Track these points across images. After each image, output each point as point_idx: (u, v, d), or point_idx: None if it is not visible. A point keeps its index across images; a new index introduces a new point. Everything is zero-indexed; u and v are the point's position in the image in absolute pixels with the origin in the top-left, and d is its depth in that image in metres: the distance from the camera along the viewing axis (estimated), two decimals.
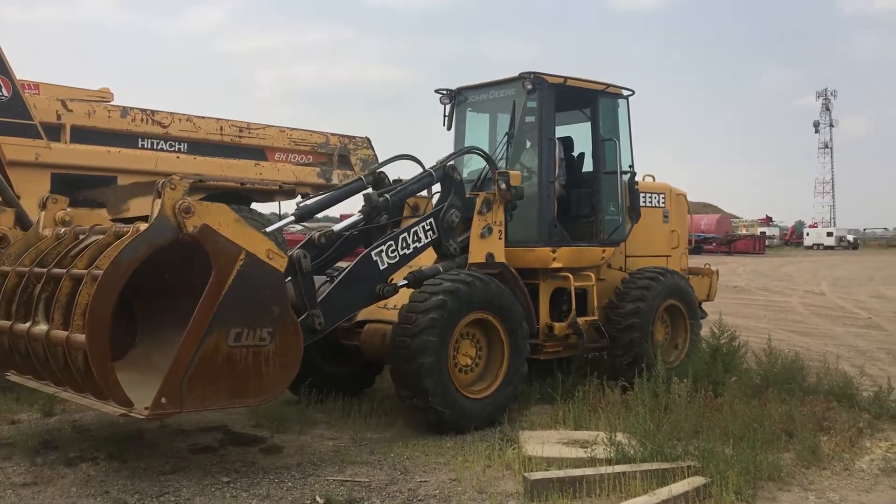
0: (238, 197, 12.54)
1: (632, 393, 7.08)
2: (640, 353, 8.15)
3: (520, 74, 8.13)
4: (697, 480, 5.11)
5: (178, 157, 11.90)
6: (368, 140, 14.23)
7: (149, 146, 11.68)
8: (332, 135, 13.73)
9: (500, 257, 7.54)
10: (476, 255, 7.40)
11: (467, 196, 7.58)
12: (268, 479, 5.50)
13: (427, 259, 7.42)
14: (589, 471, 5.26)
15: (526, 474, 5.24)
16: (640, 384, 6.83)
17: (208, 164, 12.15)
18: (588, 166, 8.95)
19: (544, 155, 8.13)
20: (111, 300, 4.81)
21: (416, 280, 6.94)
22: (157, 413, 4.91)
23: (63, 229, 6.30)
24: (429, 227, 7.18)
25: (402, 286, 6.94)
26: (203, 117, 12.20)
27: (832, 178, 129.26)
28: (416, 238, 7.04)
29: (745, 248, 62.34)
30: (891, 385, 7.38)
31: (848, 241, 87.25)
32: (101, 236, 5.60)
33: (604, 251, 8.56)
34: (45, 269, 5.67)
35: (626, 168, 8.77)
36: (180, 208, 5.01)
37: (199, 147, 12.14)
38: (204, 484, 5.41)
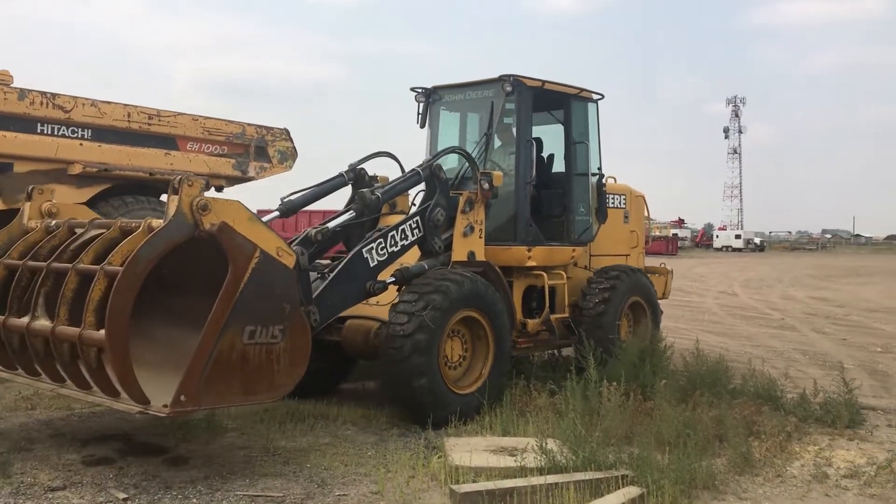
0: (147, 188, 11.84)
1: (561, 396, 6.85)
2: (607, 348, 8.21)
3: (500, 76, 8.25)
4: (633, 491, 4.88)
5: (80, 145, 11.10)
6: (287, 132, 13.66)
7: (49, 132, 10.82)
8: (249, 125, 13.10)
9: (480, 255, 7.69)
10: (459, 253, 7.52)
11: (451, 195, 7.67)
12: (170, 495, 5.01)
13: (409, 257, 7.44)
14: (520, 482, 4.96)
15: (454, 487, 4.91)
16: (570, 387, 6.60)
17: (114, 152, 11.37)
18: (557, 167, 9.10)
19: (522, 156, 8.30)
20: (131, 297, 4.77)
21: (403, 277, 7.05)
22: (177, 410, 4.86)
23: (54, 222, 6.16)
24: (415, 225, 7.29)
25: (391, 283, 7.04)
26: (109, 102, 11.41)
27: (740, 183, 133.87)
28: (403, 236, 7.14)
29: (658, 250, 63.56)
30: (817, 388, 7.35)
31: (755, 244, 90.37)
32: (104, 231, 5.54)
33: (574, 250, 8.81)
34: (43, 264, 5.56)
35: (594, 170, 9.05)
36: (197, 205, 5.03)
37: (104, 134, 11.33)
38: (98, 502, 4.89)
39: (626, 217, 9.92)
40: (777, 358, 11.32)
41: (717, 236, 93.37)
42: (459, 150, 8.15)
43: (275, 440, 6.25)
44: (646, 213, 10.37)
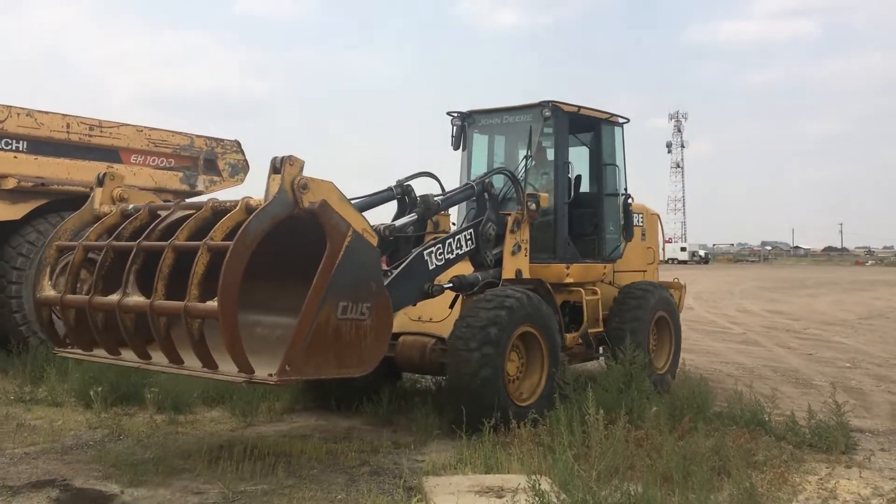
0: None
1: (544, 426, 6.38)
2: (640, 362, 8.29)
3: (539, 102, 8.65)
4: None
5: (15, 157, 10.34)
6: (238, 143, 13.02)
7: None
8: (198, 137, 12.44)
9: (526, 273, 8.01)
10: (508, 271, 7.83)
11: (500, 213, 7.96)
12: None
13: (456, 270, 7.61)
14: None
15: None
16: (557, 416, 6.13)
17: (52, 165, 10.64)
18: (583, 188, 9.48)
19: (559, 178, 8.71)
20: (241, 268, 4.92)
21: (460, 284, 7.41)
22: (283, 379, 5.09)
23: (131, 206, 6.34)
24: (469, 237, 7.54)
25: (448, 288, 7.30)
26: (47, 112, 10.67)
27: (683, 196, 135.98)
28: (458, 245, 7.38)
29: None
30: (811, 413, 7.00)
31: (700, 256, 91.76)
32: (192, 211, 5.75)
33: (605, 267, 9.29)
34: (133, 243, 5.70)
35: (621, 191, 9.49)
36: (298, 184, 5.23)
37: (41, 146, 10.59)
38: None
39: (643, 235, 10.27)
40: (749, 375, 11.03)
41: (663, 249, 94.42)
42: (506, 171, 8.32)
43: (233, 483, 5.63)
44: (660, 231, 10.71)
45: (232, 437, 7.00)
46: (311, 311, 5.15)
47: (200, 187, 12.37)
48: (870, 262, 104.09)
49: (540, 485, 4.87)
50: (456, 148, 9.51)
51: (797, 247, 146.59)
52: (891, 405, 8.99)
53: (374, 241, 5.76)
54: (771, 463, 5.79)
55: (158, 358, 5.62)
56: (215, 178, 12.62)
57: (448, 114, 9.51)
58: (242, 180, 13.16)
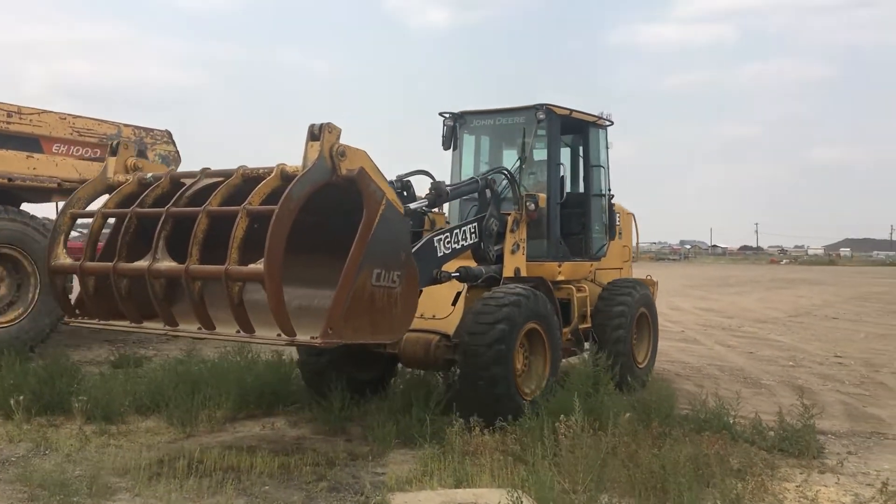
0: (5, 195, 10.29)
1: (511, 434, 6.04)
2: (626, 357, 9.07)
3: (533, 105, 8.84)
4: None
5: None
6: (169, 133, 12.32)
7: None
8: (126, 125, 11.70)
9: (524, 272, 8.22)
10: (507, 269, 8.04)
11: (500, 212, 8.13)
12: None
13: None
14: None
15: None
16: (524, 423, 5.79)
17: None
18: (568, 188, 9.60)
19: (552, 178, 8.95)
20: (285, 232, 4.97)
21: (466, 275, 7.57)
22: (326, 341, 5.16)
23: (150, 174, 6.30)
24: (473, 230, 7.70)
25: (454, 277, 7.45)
26: None
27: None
28: (463, 236, 7.54)
29: None
30: (781, 415, 6.85)
31: None
32: (220, 179, 5.75)
33: (591, 265, 9.63)
34: (161, 210, 5.65)
35: (605, 191, 9.83)
36: (336, 151, 5.30)
37: None
38: None
39: (619, 233, 10.45)
40: (697, 375, 10.98)
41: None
42: (505, 171, 8.45)
43: (178, 503, 5.11)
44: (634, 230, 10.94)
45: (171, 449, 6.45)
46: (351, 277, 5.21)
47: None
48: (784, 260, 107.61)
49: (521, 500, 4.52)
50: (446, 148, 9.66)
51: (715, 245, 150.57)
52: (843, 405, 8.97)
53: (402, 211, 5.88)
54: (751, 471, 5.57)
55: (186, 325, 5.65)
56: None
57: (440, 114, 9.64)
58: None
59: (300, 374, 8.19)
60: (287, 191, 5.04)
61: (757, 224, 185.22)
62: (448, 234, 7.33)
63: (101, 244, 6.39)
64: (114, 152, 6.65)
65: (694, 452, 5.61)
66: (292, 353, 9.65)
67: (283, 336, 5.17)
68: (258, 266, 4.95)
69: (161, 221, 5.59)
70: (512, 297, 7.18)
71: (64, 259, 6.18)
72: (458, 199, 8.58)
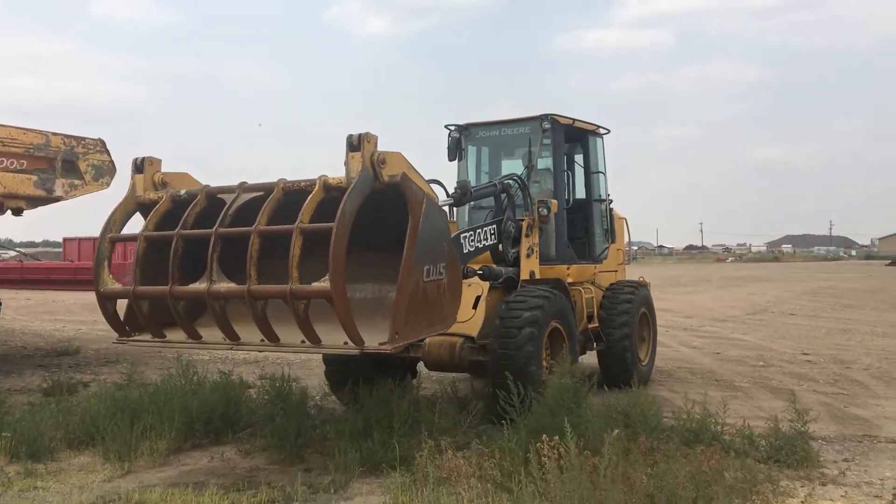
0: None
1: (489, 459, 5.47)
2: (631, 356, 9.50)
3: (539, 115, 9.16)
4: None
5: None
6: (102, 143, 11.49)
7: None
8: (55, 135, 10.85)
9: (538, 275, 8.47)
10: (524, 272, 8.28)
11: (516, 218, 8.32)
12: None
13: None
14: None
15: None
16: (506, 447, 5.23)
17: None
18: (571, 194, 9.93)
19: (558, 185, 9.32)
20: (345, 248, 5.07)
21: (489, 274, 7.81)
22: (395, 346, 5.33)
23: (183, 191, 6.26)
24: (493, 232, 7.92)
25: (478, 274, 7.73)
26: None
27: None
28: (485, 236, 7.75)
29: None
30: (776, 423, 6.40)
31: None
32: (260, 193, 5.82)
33: (595, 267, 9.97)
34: (210, 231, 5.67)
35: (605, 197, 10.22)
36: (377, 159, 5.37)
37: None
38: None
39: (614, 237, 10.68)
40: (669, 380, 10.57)
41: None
42: (517, 178, 8.59)
43: None
44: (626, 234, 11.12)
45: (107, 490, 5.72)
46: (407, 280, 5.34)
47: (59, 192, 10.82)
48: (730, 258, 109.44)
49: None
50: (451, 159, 9.89)
51: (661, 246, 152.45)
52: (825, 406, 8.62)
53: (438, 201, 6.09)
54: (758, 490, 5.08)
55: (248, 337, 5.73)
56: (76, 182, 11.08)
57: (446, 126, 9.90)
58: (108, 184, 11.64)
59: (327, 383, 8.34)
60: (341, 208, 5.12)
61: (701, 223, 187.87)
62: (472, 232, 7.54)
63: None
64: (139, 169, 6.51)
65: (692, 471, 5.10)
66: (241, 373, 8.96)
67: (352, 344, 5.28)
68: (324, 284, 5.07)
69: (212, 243, 5.62)
70: (538, 298, 7.47)
71: (112, 284, 6.21)
72: (468, 208, 8.94)
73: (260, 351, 6.14)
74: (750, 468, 5.51)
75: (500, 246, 8.06)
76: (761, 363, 11.95)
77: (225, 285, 5.55)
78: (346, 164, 5.42)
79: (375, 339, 5.35)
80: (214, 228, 5.67)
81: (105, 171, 11.53)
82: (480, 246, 7.66)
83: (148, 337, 6.27)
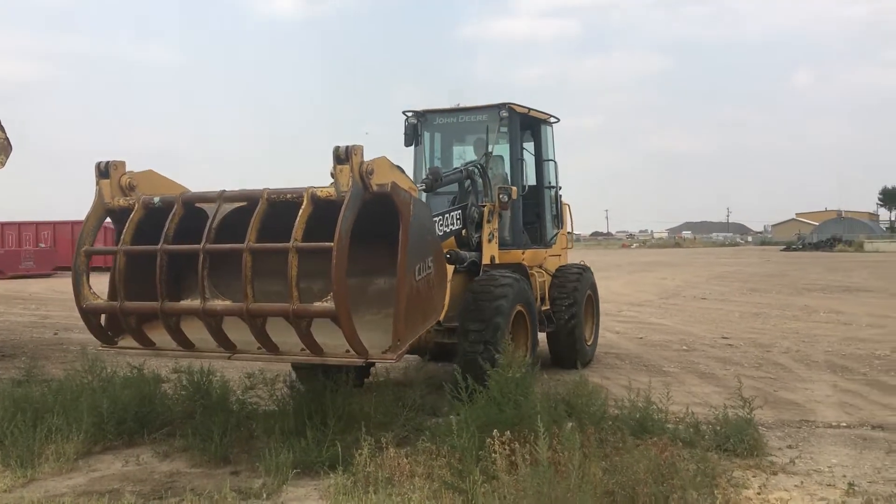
0: None
1: (435, 455, 5.12)
2: (579, 336, 9.89)
3: (497, 104, 9.37)
4: None
5: None
6: None
7: None
8: None
9: (497, 259, 8.66)
10: (485, 256, 8.44)
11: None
12: None
13: None
14: None
15: None
16: (458, 444, 4.89)
17: None
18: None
19: (515, 172, 9.56)
20: (345, 266, 5.08)
21: (456, 258, 7.80)
22: (398, 354, 5.43)
23: (156, 199, 6.05)
24: (458, 217, 7.99)
25: (446, 258, 7.34)
26: None
27: None
28: (451, 221, 7.81)
29: None
30: (725, 411, 6.26)
31: None
32: (242, 203, 5.67)
33: (546, 252, 10.31)
34: (196, 247, 5.51)
35: (554, 184, 10.60)
36: (366, 171, 5.33)
37: None
38: None
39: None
40: (599, 366, 10.45)
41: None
42: (478, 165, 8.75)
43: None
44: (569, 219, 11.30)
45: (8, 502, 5.12)
46: (403, 287, 5.38)
47: None
48: (634, 244, 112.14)
49: None
50: (408, 144, 10.04)
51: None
52: (756, 390, 8.59)
53: (417, 193, 6.20)
54: (716, 483, 4.90)
55: (244, 346, 5.67)
56: None
57: (403, 112, 10.04)
58: (3, 163, 10.72)
59: (294, 374, 7.96)
60: (338, 229, 5.06)
61: (607, 210, 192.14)
62: (440, 216, 7.50)
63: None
64: (104, 174, 6.24)
65: (648, 465, 4.87)
66: (155, 367, 8.34)
67: (355, 354, 5.31)
68: (328, 304, 5.09)
69: (201, 260, 5.48)
70: (506, 280, 7.79)
71: (95, 299, 5.99)
72: (428, 195, 8.86)
73: (257, 360, 6.01)
74: (705, 459, 5.36)
75: (464, 231, 8.14)
76: (685, 348, 12.00)
77: (221, 303, 5.47)
78: (335, 177, 5.36)
79: (368, 340, 5.35)
80: (202, 245, 5.51)
81: (0, 149, 10.62)
82: (447, 231, 7.71)
83: (135, 344, 6.10)
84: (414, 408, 6.77)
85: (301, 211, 5.33)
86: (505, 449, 4.86)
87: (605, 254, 70.15)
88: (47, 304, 20.71)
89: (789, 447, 6.29)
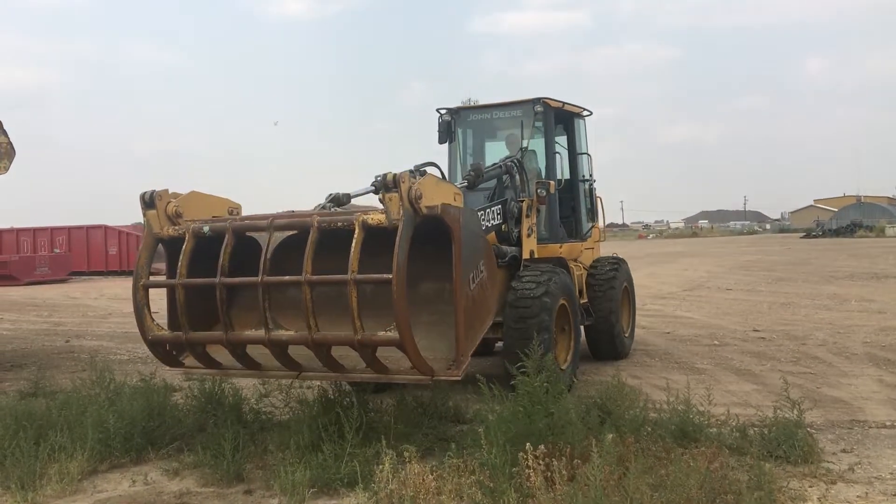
0: None
1: (467, 474, 4.71)
2: (618, 329, 9.93)
3: (531, 99, 9.41)
4: None
5: None
6: None
7: None
8: None
9: (536, 254, 8.68)
10: (525, 251, 8.45)
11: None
12: None
13: None
14: None
15: None
16: (484, 458, 4.48)
17: None
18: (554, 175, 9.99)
19: (551, 167, 9.62)
20: (405, 296, 5.15)
21: (498, 252, 7.62)
22: (462, 369, 5.49)
23: (205, 227, 6.09)
24: (499, 212, 8.06)
25: None
26: None
27: None
28: (493, 216, 7.88)
29: None
30: (777, 416, 5.81)
31: None
32: (293, 232, 5.93)
33: (582, 245, 10.30)
34: (255, 279, 5.61)
35: (588, 177, 10.56)
36: (415, 196, 5.42)
37: None
38: None
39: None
40: (628, 364, 9.99)
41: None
42: (515, 160, 8.71)
43: None
44: (601, 212, 11.14)
45: None
46: (461, 301, 5.48)
47: None
48: (651, 235, 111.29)
49: None
50: (442, 142, 10.14)
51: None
52: (797, 388, 8.13)
53: (461, 197, 6.37)
54: (775, 498, 4.46)
55: (307, 362, 5.79)
56: None
57: (437, 110, 10.12)
58: (7, 168, 10.40)
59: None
60: (395, 261, 5.14)
61: (622, 201, 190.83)
62: (482, 211, 7.49)
63: None
64: (150, 205, 6.30)
65: (699, 479, 4.44)
66: (165, 376, 7.98)
67: (422, 375, 5.41)
68: (393, 334, 5.18)
69: (261, 294, 5.61)
70: (548, 274, 7.79)
71: (159, 331, 6.22)
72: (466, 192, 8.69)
73: (325, 378, 6.19)
74: (760, 469, 4.90)
75: (504, 226, 8.14)
76: (716, 342, 11.53)
77: (286, 333, 5.60)
78: (385, 204, 5.41)
79: (430, 349, 5.50)
80: (260, 279, 5.60)
81: (3, 155, 10.30)
82: (489, 225, 7.70)
83: (200, 365, 6.28)
84: (436, 415, 6.36)
85: (354, 242, 5.36)
86: (540, 464, 4.46)
87: (622, 245, 69.45)
88: (60, 310, 20.47)
89: (844, 451, 5.84)
